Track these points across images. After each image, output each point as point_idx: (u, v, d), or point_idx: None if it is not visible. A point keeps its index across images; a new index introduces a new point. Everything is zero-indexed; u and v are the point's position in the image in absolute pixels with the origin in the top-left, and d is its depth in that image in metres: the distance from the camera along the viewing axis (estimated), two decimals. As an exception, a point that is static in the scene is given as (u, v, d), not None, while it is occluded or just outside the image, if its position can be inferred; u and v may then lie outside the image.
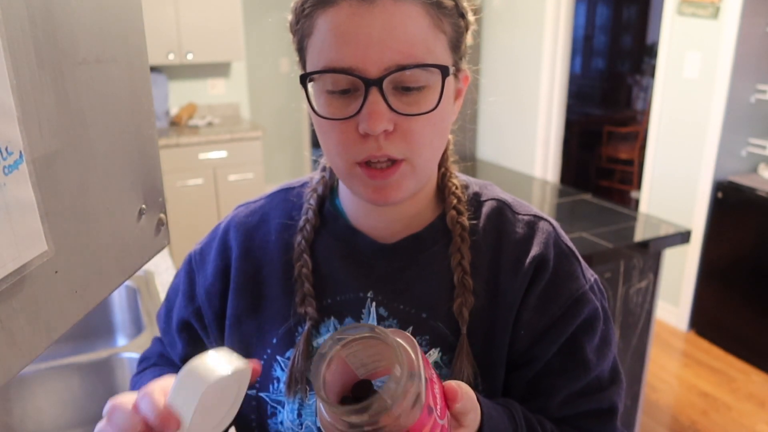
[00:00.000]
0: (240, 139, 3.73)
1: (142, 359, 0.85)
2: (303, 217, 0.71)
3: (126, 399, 0.52)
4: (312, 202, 0.71)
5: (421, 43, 0.56)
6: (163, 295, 1.47)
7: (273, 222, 0.73)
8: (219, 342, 0.74)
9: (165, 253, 1.73)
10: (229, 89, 4.27)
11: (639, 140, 4.81)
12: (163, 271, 1.61)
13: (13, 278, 0.36)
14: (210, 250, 0.75)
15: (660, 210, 3.28)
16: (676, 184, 3.21)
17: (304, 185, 0.75)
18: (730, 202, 2.96)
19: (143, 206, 0.52)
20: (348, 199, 0.70)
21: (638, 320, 2.15)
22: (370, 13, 0.54)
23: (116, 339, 1.52)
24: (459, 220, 0.67)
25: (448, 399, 0.51)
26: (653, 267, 2.14)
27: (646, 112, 4.67)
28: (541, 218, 0.69)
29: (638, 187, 4.11)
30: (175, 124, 3.95)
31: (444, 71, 0.57)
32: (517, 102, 4.08)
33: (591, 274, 0.69)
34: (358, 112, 0.56)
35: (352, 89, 0.57)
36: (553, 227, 0.69)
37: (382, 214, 0.68)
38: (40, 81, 0.38)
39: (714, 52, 2.92)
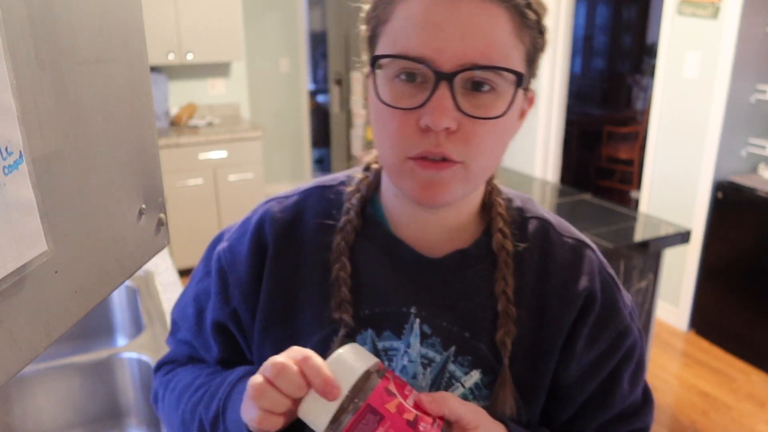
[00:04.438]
0: (240, 139, 3.72)
1: (164, 363, 0.81)
2: (344, 218, 0.67)
3: (287, 361, 0.51)
4: (354, 202, 0.67)
5: (501, 46, 0.54)
6: (162, 295, 1.47)
7: (309, 221, 0.69)
8: (254, 344, 0.70)
9: (165, 253, 1.73)
10: (229, 89, 4.27)
11: (639, 140, 4.81)
12: (163, 271, 1.61)
13: (13, 278, 0.36)
14: (241, 247, 0.69)
15: (660, 210, 3.28)
16: (676, 184, 3.21)
17: (342, 183, 0.71)
18: (730, 202, 2.96)
19: (143, 206, 0.52)
20: (391, 204, 0.67)
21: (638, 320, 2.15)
22: (455, 6, 0.52)
23: (116, 339, 1.52)
24: (505, 245, 0.65)
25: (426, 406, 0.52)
26: (653, 267, 2.14)
27: (646, 112, 4.67)
28: (585, 244, 0.68)
29: (638, 187, 4.11)
30: (175, 124, 3.95)
31: (519, 79, 0.55)
32: (517, 102, 4.07)
33: (629, 299, 0.69)
34: (423, 104, 0.54)
35: (421, 81, 0.54)
36: (596, 255, 0.68)
37: (425, 222, 0.65)
38: (40, 81, 0.38)
39: (714, 52, 2.92)
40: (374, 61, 0.57)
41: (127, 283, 1.50)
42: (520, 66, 0.56)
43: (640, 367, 0.68)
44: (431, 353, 0.64)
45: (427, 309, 0.64)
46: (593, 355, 0.65)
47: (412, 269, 0.65)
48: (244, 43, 3.97)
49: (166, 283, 1.55)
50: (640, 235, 2.13)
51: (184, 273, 3.80)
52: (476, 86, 0.54)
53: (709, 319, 3.14)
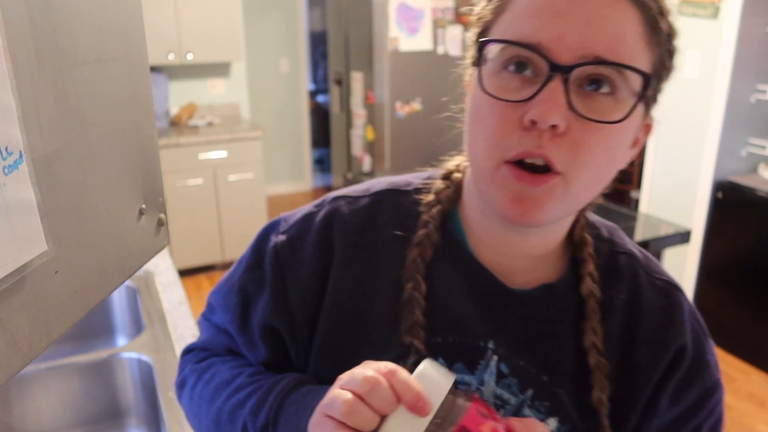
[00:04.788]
0: (240, 139, 3.72)
1: (197, 349, 0.73)
2: (421, 231, 0.60)
3: (377, 375, 0.46)
4: (434, 214, 0.60)
5: (630, 44, 0.48)
6: (162, 295, 1.47)
7: (382, 229, 0.62)
8: (305, 357, 0.63)
9: (165, 253, 1.73)
10: (229, 89, 4.27)
11: (639, 140, 4.80)
12: (163, 271, 1.61)
13: (13, 278, 0.36)
14: (304, 246, 0.62)
15: (660, 210, 3.28)
16: (676, 184, 3.21)
17: (417, 191, 0.64)
18: (730, 202, 2.96)
19: (143, 206, 0.52)
20: (472, 221, 0.60)
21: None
22: None
23: (116, 339, 1.52)
24: (594, 291, 0.58)
25: None
26: (653, 267, 2.14)
27: (646, 112, 4.66)
28: (674, 287, 0.62)
29: (638, 187, 4.11)
30: (175, 124, 3.95)
31: (645, 84, 0.48)
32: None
33: (713, 347, 0.64)
34: (531, 97, 0.47)
35: (532, 74, 0.48)
36: (685, 298, 0.63)
37: (508, 246, 0.58)
38: (40, 81, 0.38)
39: (714, 52, 2.92)
40: (480, 50, 0.51)
41: (127, 283, 1.50)
42: (647, 79, 0.49)
43: (720, 422, 0.62)
44: (506, 394, 0.58)
45: (506, 345, 0.58)
46: (676, 413, 0.59)
47: (492, 299, 0.59)
48: (244, 43, 3.98)
49: (166, 283, 1.55)
50: (640, 234, 2.13)
51: (184, 273, 3.80)
52: (594, 86, 0.48)
53: (709, 318, 3.13)
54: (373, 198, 0.64)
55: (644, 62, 0.49)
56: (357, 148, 4.43)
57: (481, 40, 0.51)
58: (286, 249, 0.63)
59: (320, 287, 0.61)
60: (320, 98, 6.41)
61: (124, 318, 1.51)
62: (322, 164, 6.41)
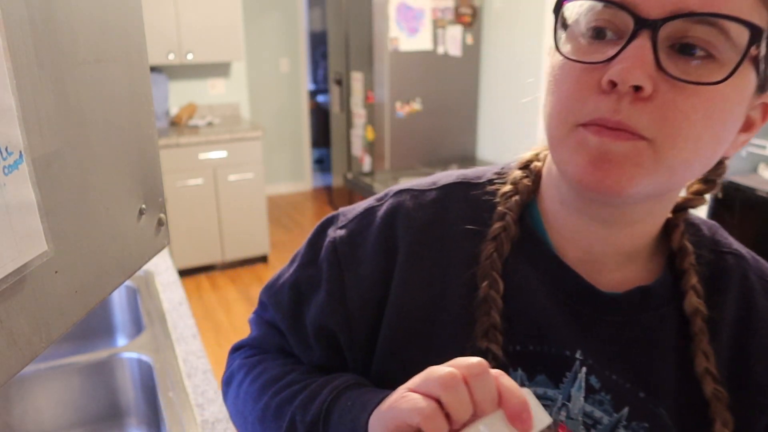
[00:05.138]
0: (240, 139, 3.72)
1: (246, 346, 0.69)
2: (497, 224, 0.54)
3: (485, 365, 0.40)
4: (512, 206, 0.54)
5: None
6: (162, 295, 1.47)
7: (452, 224, 0.56)
8: (362, 361, 0.58)
9: (165, 253, 1.73)
10: (229, 89, 4.27)
11: (639, 140, 4.81)
12: (163, 271, 1.61)
13: (13, 278, 0.36)
14: (364, 242, 0.57)
15: (660, 210, 3.29)
16: (676, 184, 3.21)
17: (490, 182, 0.58)
18: (730, 202, 2.96)
19: (143, 206, 0.52)
20: (552, 213, 0.54)
21: None
22: None
23: (116, 339, 1.52)
24: (700, 308, 0.51)
25: None
26: (653, 267, 2.14)
27: (646, 112, 4.67)
28: None
29: (638, 187, 4.11)
30: (175, 124, 3.95)
31: (755, 35, 0.40)
32: (517, 102, 4.08)
33: None
34: (613, 57, 0.41)
35: (615, 35, 0.43)
36: None
37: (592, 238, 0.51)
38: (40, 81, 0.38)
39: (714, 52, 2.92)
40: (557, 10, 0.46)
41: (127, 283, 1.50)
42: (756, 32, 0.40)
43: None
44: (598, 412, 0.51)
45: (596, 356, 0.51)
46: None
47: (579, 303, 0.52)
48: (244, 43, 3.98)
49: (166, 283, 1.55)
50: (640, 235, 2.13)
51: (184, 273, 3.80)
52: (686, 49, 0.41)
53: (709, 319, 3.14)
54: (440, 191, 0.58)
55: (757, 17, 0.40)
56: (357, 148, 4.43)
57: (557, 3, 0.46)
58: (345, 245, 0.58)
59: (382, 288, 0.56)
60: (320, 98, 6.41)
61: (124, 318, 1.51)
62: (322, 164, 6.41)
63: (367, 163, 4.31)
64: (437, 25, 3.89)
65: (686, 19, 0.40)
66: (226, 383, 0.70)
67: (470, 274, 0.53)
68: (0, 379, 0.36)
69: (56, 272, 0.41)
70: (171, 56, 3.66)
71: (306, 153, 5.55)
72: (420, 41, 3.88)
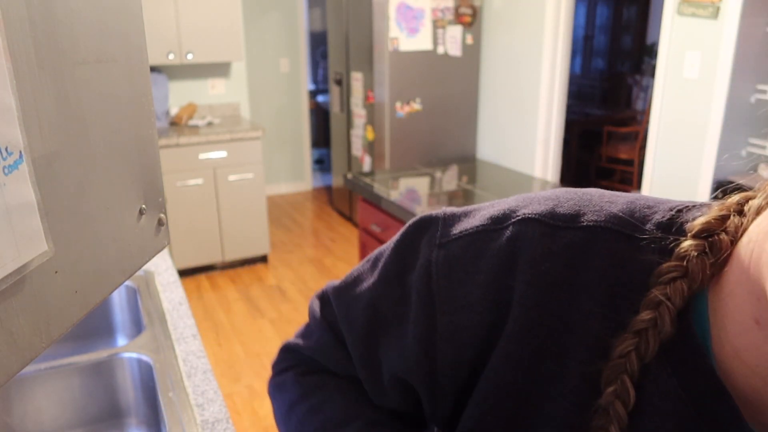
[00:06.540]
0: (240, 139, 3.73)
1: (301, 351, 0.61)
2: (647, 314, 0.39)
3: None
4: (671, 294, 0.38)
5: None
6: (162, 295, 1.47)
7: (591, 282, 0.41)
8: (442, 414, 0.49)
9: (165, 253, 1.73)
10: (229, 89, 4.27)
11: (639, 140, 4.81)
12: (163, 271, 1.61)
13: (13, 278, 0.36)
14: (470, 281, 0.45)
15: (660, 210, 3.28)
16: (676, 184, 3.21)
17: (656, 241, 0.42)
18: (730, 202, 2.96)
19: (143, 206, 0.52)
20: (731, 320, 0.37)
21: (638, 320, 2.14)
22: None
23: (116, 339, 1.52)
24: None
25: None
26: (653, 267, 2.14)
27: (646, 112, 4.67)
28: None
29: (638, 187, 4.11)
30: (175, 124, 3.95)
31: None
32: (517, 102, 4.08)
33: None
34: None
35: None
36: None
37: None
38: (40, 81, 0.38)
39: (714, 52, 2.92)
40: None
41: (127, 283, 1.50)
42: None
43: None
44: None
45: None
46: None
47: None
48: (244, 43, 3.98)
49: (166, 283, 1.55)
50: (640, 235, 2.13)
51: (184, 273, 3.80)
52: None
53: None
54: (582, 235, 0.43)
55: None
56: (357, 148, 4.43)
57: None
58: (444, 277, 0.46)
59: (482, 349, 0.45)
60: (320, 98, 6.42)
61: (124, 318, 1.51)
62: (322, 164, 6.41)
63: (367, 163, 4.31)
64: (437, 25, 3.89)
65: None
66: (276, 388, 0.63)
67: (594, 369, 0.40)
68: (0, 379, 0.36)
69: (56, 272, 0.41)
70: (171, 56, 3.66)
71: (306, 153, 5.55)
72: (420, 41, 3.88)
